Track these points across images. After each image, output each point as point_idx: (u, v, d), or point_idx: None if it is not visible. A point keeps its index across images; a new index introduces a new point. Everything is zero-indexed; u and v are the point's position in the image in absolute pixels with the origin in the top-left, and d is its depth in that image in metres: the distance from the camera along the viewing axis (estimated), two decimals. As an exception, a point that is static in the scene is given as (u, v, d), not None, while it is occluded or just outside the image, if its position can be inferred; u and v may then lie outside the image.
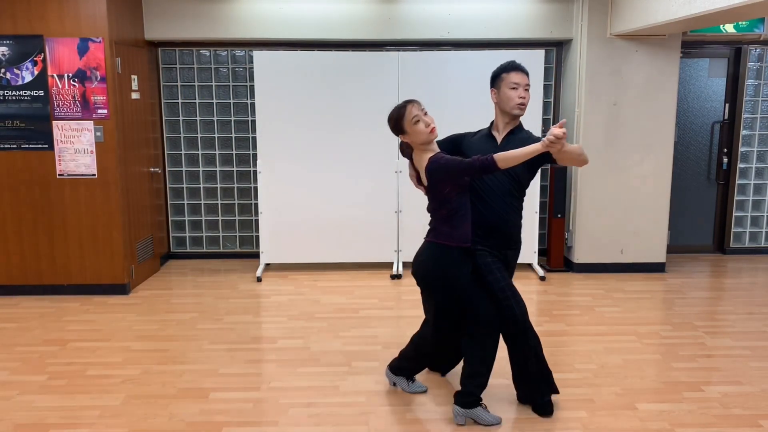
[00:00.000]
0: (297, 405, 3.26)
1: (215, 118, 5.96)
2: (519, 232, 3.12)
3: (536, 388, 3.14)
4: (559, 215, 5.62)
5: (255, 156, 5.86)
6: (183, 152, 6.00)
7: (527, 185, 3.10)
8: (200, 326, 4.39)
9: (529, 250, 5.51)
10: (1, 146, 4.87)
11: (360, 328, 4.33)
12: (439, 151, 2.94)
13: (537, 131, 5.18)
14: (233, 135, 5.99)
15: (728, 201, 6.23)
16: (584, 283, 5.35)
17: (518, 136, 3.05)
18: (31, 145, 4.87)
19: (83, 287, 5.04)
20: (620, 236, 5.61)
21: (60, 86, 4.81)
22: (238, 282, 5.41)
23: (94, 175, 4.92)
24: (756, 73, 6.06)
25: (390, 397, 3.33)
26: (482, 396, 3.08)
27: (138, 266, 5.30)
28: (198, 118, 5.95)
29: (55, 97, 4.82)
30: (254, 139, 5.90)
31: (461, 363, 3.26)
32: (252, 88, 5.85)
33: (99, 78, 4.81)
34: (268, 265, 5.73)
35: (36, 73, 4.80)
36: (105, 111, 4.84)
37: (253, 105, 5.90)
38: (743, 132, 6.13)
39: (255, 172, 5.88)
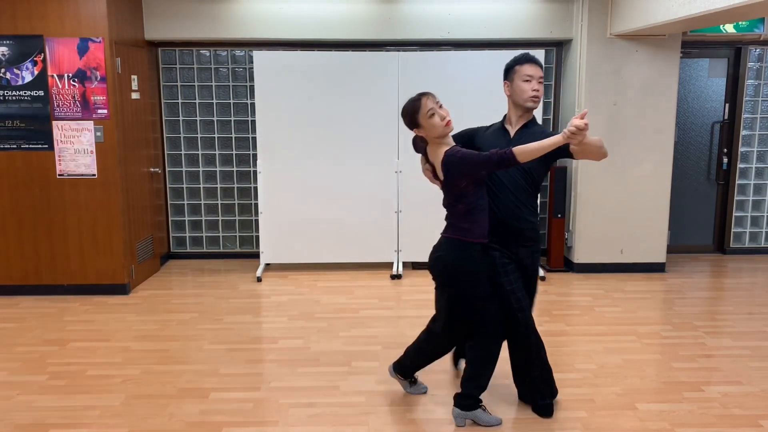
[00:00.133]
0: (297, 405, 3.26)
1: (215, 118, 5.96)
2: (532, 229, 3.01)
3: (536, 389, 3.14)
4: (559, 215, 5.62)
5: (255, 156, 5.86)
6: (183, 152, 6.00)
7: (541, 180, 3.02)
8: (200, 326, 4.39)
9: (529, 250, 5.51)
10: (1, 146, 4.87)
11: (360, 328, 4.33)
12: (454, 144, 2.87)
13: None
14: (233, 135, 5.99)
15: (728, 201, 6.23)
16: (584, 283, 5.35)
17: (531, 129, 2.97)
18: (31, 145, 4.87)
19: (83, 287, 5.04)
20: (620, 236, 5.61)
21: (60, 86, 4.81)
22: (238, 282, 5.41)
23: (94, 175, 4.92)
24: (756, 73, 6.06)
25: (390, 397, 3.33)
26: (482, 397, 3.07)
27: (138, 266, 5.30)
28: (198, 118, 5.95)
29: (55, 97, 4.82)
30: (254, 139, 5.90)
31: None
32: (252, 88, 5.85)
33: (99, 78, 4.81)
34: (268, 265, 5.73)
35: (36, 73, 4.80)
36: (105, 111, 4.84)
37: (253, 105, 5.89)
38: (743, 132, 6.13)
39: (255, 172, 5.88)
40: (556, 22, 5.56)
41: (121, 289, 5.06)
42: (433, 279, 3.00)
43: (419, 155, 3.10)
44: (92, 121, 4.85)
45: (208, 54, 5.89)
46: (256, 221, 5.96)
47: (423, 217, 5.52)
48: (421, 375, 3.60)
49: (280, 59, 5.40)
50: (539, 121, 5.34)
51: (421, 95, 2.85)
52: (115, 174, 4.92)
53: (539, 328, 3.16)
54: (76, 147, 4.88)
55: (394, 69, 5.38)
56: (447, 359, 3.77)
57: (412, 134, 2.78)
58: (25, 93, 4.82)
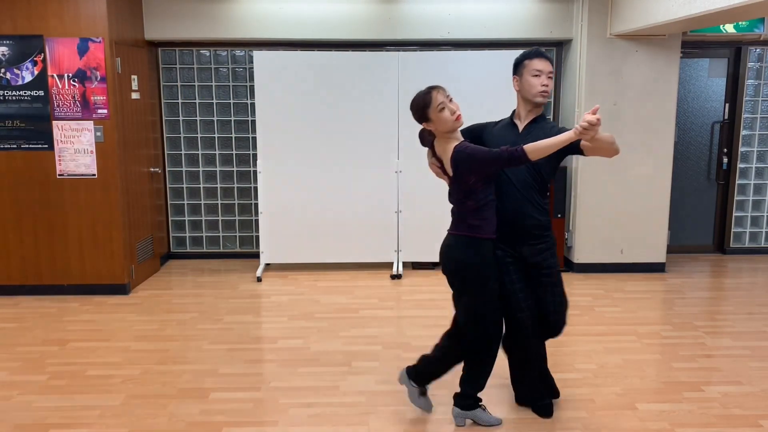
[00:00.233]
0: (297, 405, 3.26)
1: (215, 118, 5.96)
2: (539, 227, 2.91)
3: (535, 389, 3.14)
4: (559, 215, 5.62)
5: (255, 156, 5.86)
6: (183, 152, 6.00)
7: (550, 177, 2.95)
8: (200, 326, 4.39)
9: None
10: (1, 146, 4.87)
11: (360, 328, 4.33)
12: (462, 139, 2.81)
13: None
14: (233, 135, 5.99)
15: (728, 201, 6.23)
16: (584, 283, 5.35)
17: (540, 124, 2.92)
18: (31, 145, 4.87)
19: (83, 287, 5.04)
20: (620, 236, 5.61)
21: (60, 86, 4.81)
22: (238, 282, 5.41)
23: (94, 175, 4.92)
24: (756, 73, 6.06)
25: (390, 397, 3.33)
26: (482, 397, 3.07)
27: (138, 266, 5.30)
28: (198, 118, 5.96)
29: (55, 97, 4.82)
30: (254, 139, 5.90)
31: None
32: (252, 88, 5.85)
33: (99, 78, 4.81)
34: (268, 265, 5.73)
35: (36, 73, 4.80)
36: (105, 111, 4.84)
37: (253, 105, 5.90)
38: (743, 132, 6.13)
39: (255, 172, 5.87)
40: (556, 22, 5.56)
41: (121, 289, 5.06)
42: (449, 279, 2.91)
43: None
44: (92, 121, 4.85)
45: (208, 54, 5.89)
46: (256, 221, 5.96)
47: (423, 217, 5.52)
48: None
49: (280, 59, 5.40)
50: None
51: (431, 89, 2.76)
52: (115, 174, 4.92)
53: (539, 328, 3.17)
54: (76, 147, 4.88)
55: (394, 69, 5.38)
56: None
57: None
58: (25, 93, 4.82)
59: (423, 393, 3.12)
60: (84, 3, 4.72)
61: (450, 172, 2.77)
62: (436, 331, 4.22)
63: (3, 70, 4.79)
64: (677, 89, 5.46)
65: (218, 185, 6.07)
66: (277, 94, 5.40)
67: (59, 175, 4.91)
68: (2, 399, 3.34)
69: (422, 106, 2.76)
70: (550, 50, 5.87)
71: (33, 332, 4.29)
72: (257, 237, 5.96)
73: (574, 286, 5.28)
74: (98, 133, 4.86)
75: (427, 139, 2.92)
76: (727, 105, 6.09)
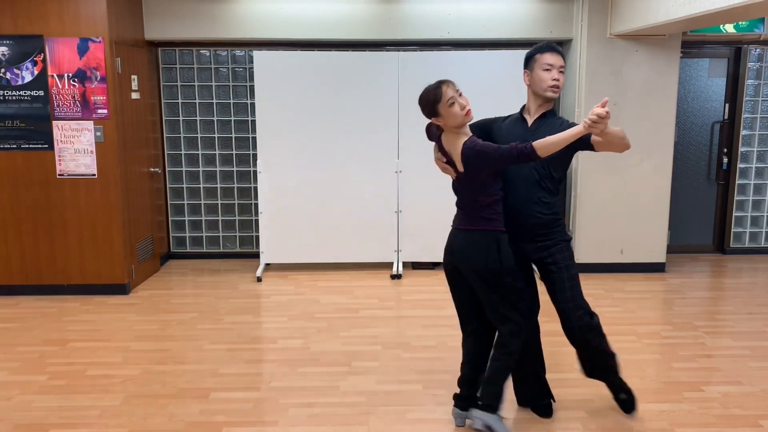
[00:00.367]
0: (297, 405, 3.26)
1: (215, 118, 5.96)
2: (543, 225, 2.85)
3: (535, 389, 3.14)
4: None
5: (255, 156, 5.86)
6: (183, 152, 6.00)
7: (560, 174, 2.87)
8: (200, 326, 4.39)
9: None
10: (1, 146, 4.87)
11: (360, 328, 4.33)
12: (471, 134, 2.74)
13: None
14: (233, 135, 5.99)
15: (728, 201, 6.22)
16: (584, 283, 5.28)
17: (550, 119, 2.86)
18: (31, 145, 4.87)
19: (83, 287, 5.04)
20: (620, 236, 5.60)
21: (60, 86, 4.81)
22: (238, 282, 5.41)
23: (94, 175, 4.92)
24: (756, 73, 6.06)
25: (390, 397, 3.33)
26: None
27: (138, 266, 5.30)
28: (198, 118, 5.96)
29: (55, 97, 4.82)
30: (254, 139, 5.90)
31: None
32: (252, 88, 5.85)
33: (99, 78, 4.81)
34: (268, 265, 5.73)
35: (36, 73, 4.80)
36: (105, 111, 4.84)
37: (253, 105, 5.90)
38: (743, 132, 6.12)
39: (255, 172, 5.87)
40: (556, 22, 5.56)
41: (121, 289, 5.06)
42: (470, 279, 2.80)
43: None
44: (92, 121, 4.85)
45: (208, 54, 5.89)
46: (256, 221, 5.96)
47: (423, 217, 5.52)
48: (421, 376, 3.60)
49: (280, 59, 5.40)
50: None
51: (440, 83, 2.70)
52: (115, 174, 4.92)
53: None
54: (76, 147, 4.88)
55: (394, 69, 5.38)
56: (447, 360, 3.78)
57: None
58: (25, 93, 4.82)
59: (501, 416, 2.92)
60: (84, 3, 4.72)
61: (460, 167, 2.72)
62: (436, 331, 4.24)
63: (3, 70, 4.79)
64: (677, 89, 5.46)
65: (218, 185, 6.07)
66: (277, 94, 5.40)
67: (59, 175, 4.91)
68: (2, 399, 3.34)
69: (432, 101, 2.70)
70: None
71: (33, 332, 4.29)
72: (257, 237, 5.95)
73: (574, 286, 5.28)
74: (98, 133, 4.86)
75: (434, 133, 2.87)
76: (727, 105, 6.09)
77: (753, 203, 6.26)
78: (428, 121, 2.85)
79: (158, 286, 5.32)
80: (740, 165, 6.18)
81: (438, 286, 5.26)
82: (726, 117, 6.11)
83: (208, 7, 5.46)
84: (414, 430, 3.03)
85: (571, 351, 3.91)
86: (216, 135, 5.98)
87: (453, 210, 2.91)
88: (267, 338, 4.19)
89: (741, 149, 6.15)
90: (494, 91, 5.09)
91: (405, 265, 5.77)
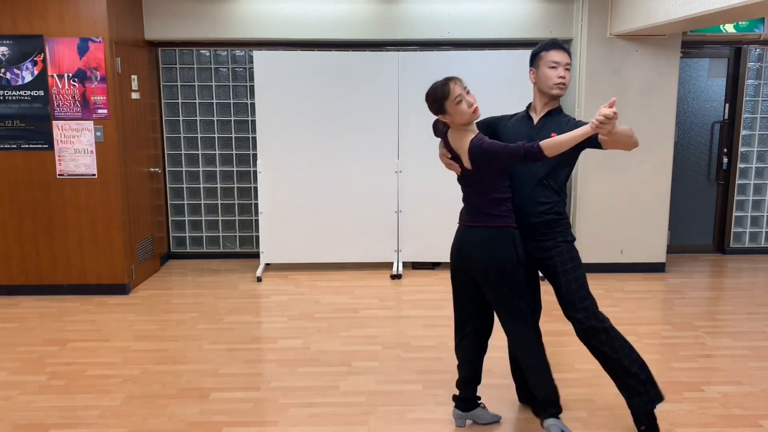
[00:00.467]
0: (297, 405, 3.26)
1: (215, 118, 5.96)
2: (546, 224, 2.81)
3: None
4: (559, 215, 5.61)
5: (255, 156, 5.86)
6: (183, 152, 6.00)
7: (565, 171, 2.85)
8: (200, 326, 4.39)
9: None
10: (1, 146, 4.87)
11: (360, 328, 4.33)
12: (478, 132, 2.72)
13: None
14: (233, 135, 5.99)
15: (728, 201, 6.23)
16: (584, 283, 5.34)
17: (555, 118, 2.83)
18: (31, 145, 4.87)
19: (83, 287, 5.04)
20: (620, 236, 5.60)
21: (60, 86, 4.81)
22: (238, 282, 5.41)
23: (94, 175, 4.92)
24: (756, 73, 6.06)
25: (390, 397, 3.33)
26: (481, 395, 3.07)
27: (138, 266, 5.30)
28: (198, 118, 5.96)
29: (55, 97, 4.82)
30: (254, 139, 5.90)
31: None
32: (252, 88, 5.85)
33: (99, 78, 4.81)
34: (268, 265, 5.73)
35: (36, 73, 4.80)
36: (105, 111, 4.84)
37: (253, 105, 5.90)
38: (743, 132, 6.13)
39: (255, 172, 5.88)
40: (556, 22, 5.56)
41: (121, 289, 5.06)
42: (482, 279, 2.76)
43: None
44: (92, 121, 4.85)
45: (208, 54, 5.89)
46: (256, 221, 5.96)
47: (423, 217, 5.52)
48: (421, 376, 3.60)
49: (280, 59, 5.40)
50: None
51: (448, 80, 2.67)
52: (115, 174, 4.92)
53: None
54: (76, 147, 4.88)
55: (394, 69, 5.38)
56: (447, 360, 3.78)
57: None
58: (25, 93, 4.82)
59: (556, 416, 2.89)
60: (84, 3, 4.72)
61: (467, 164, 2.70)
62: (436, 331, 4.24)
63: (3, 70, 4.79)
64: (677, 89, 5.46)
65: (218, 185, 6.07)
66: (277, 94, 5.40)
67: (59, 175, 4.91)
68: (2, 399, 3.34)
69: (439, 98, 2.67)
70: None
71: (33, 332, 4.29)
72: (257, 237, 5.96)
73: (574, 286, 5.28)
74: (98, 133, 4.86)
75: (440, 130, 2.84)
76: (727, 105, 6.09)
77: (753, 203, 6.26)
78: (433, 118, 2.83)
79: (158, 286, 5.32)
80: (740, 165, 6.18)
81: (438, 286, 5.26)
82: (726, 117, 6.11)
83: (208, 7, 5.46)
84: (414, 430, 3.03)
85: (571, 351, 3.92)
86: (216, 135, 5.98)
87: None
88: (267, 338, 4.19)
89: (741, 149, 6.15)
90: (494, 91, 5.08)
91: (405, 265, 5.77)
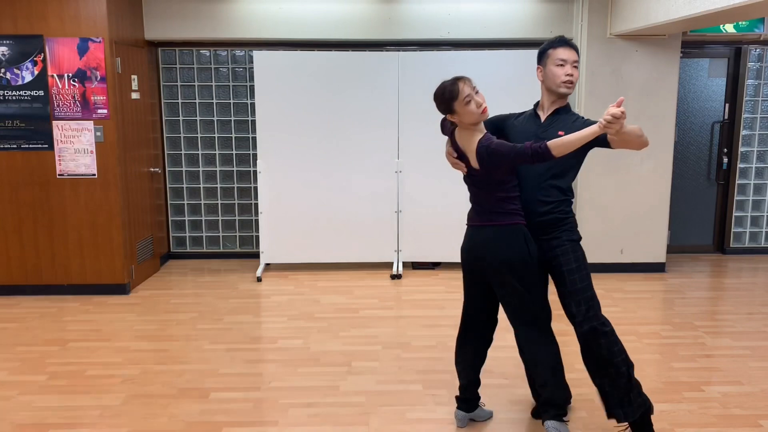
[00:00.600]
0: (297, 405, 3.26)
1: (215, 118, 5.96)
2: (550, 223, 2.79)
3: (534, 388, 3.14)
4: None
5: (255, 156, 5.86)
6: (183, 152, 6.00)
7: (572, 171, 2.81)
8: (200, 326, 4.39)
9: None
10: (1, 146, 4.87)
11: (360, 328, 4.33)
12: (485, 131, 2.70)
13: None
14: (233, 135, 5.99)
15: (728, 201, 6.23)
16: (584, 283, 5.34)
17: (563, 116, 2.80)
18: (31, 145, 4.87)
19: (83, 287, 5.04)
20: (620, 236, 5.61)
21: (60, 86, 4.81)
22: (238, 282, 5.41)
23: (94, 174, 4.92)
24: (756, 73, 6.06)
25: (390, 397, 3.33)
26: (481, 394, 3.07)
27: (138, 266, 5.30)
28: (198, 118, 5.96)
29: (55, 97, 4.82)
30: (254, 139, 5.90)
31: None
32: (252, 88, 5.85)
33: (99, 78, 4.81)
34: (268, 265, 5.73)
35: (36, 73, 4.80)
36: (105, 111, 4.84)
37: (253, 105, 5.90)
38: (743, 132, 6.13)
39: (255, 172, 5.87)
40: (556, 22, 5.56)
41: (121, 289, 5.06)
42: (497, 278, 2.74)
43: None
44: (92, 121, 4.85)
45: (208, 54, 5.89)
46: (256, 221, 5.96)
47: (423, 217, 5.52)
48: (421, 376, 3.60)
49: (280, 59, 5.40)
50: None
51: (456, 79, 2.64)
52: (115, 174, 4.92)
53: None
54: (76, 147, 4.88)
55: (394, 69, 5.37)
56: (447, 360, 3.78)
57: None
58: (25, 93, 4.82)
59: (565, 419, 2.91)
60: (84, 3, 4.72)
61: (474, 164, 2.68)
62: (436, 331, 4.24)
63: (3, 70, 4.79)
64: (677, 89, 5.46)
65: (218, 185, 6.07)
66: (277, 94, 5.40)
67: (59, 175, 4.91)
68: (2, 399, 3.34)
69: (448, 98, 2.64)
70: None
71: (33, 332, 4.29)
72: (257, 237, 5.96)
73: (574, 286, 5.28)
74: (98, 133, 4.86)
75: (448, 128, 2.83)
76: (727, 105, 6.09)
77: (753, 203, 6.26)
78: (436, 116, 2.81)
79: (158, 286, 5.32)
80: (740, 165, 6.18)
81: (438, 286, 5.26)
82: (726, 117, 6.11)
83: (208, 7, 5.46)
84: (414, 430, 3.03)
85: (571, 351, 3.92)
86: (216, 135, 5.98)
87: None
88: (267, 338, 4.19)
89: (741, 149, 6.15)
90: (494, 91, 5.06)
91: (405, 265, 5.77)
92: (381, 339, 4.14)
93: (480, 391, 3.05)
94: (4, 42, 4.76)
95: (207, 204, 6.11)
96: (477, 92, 2.65)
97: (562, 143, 2.49)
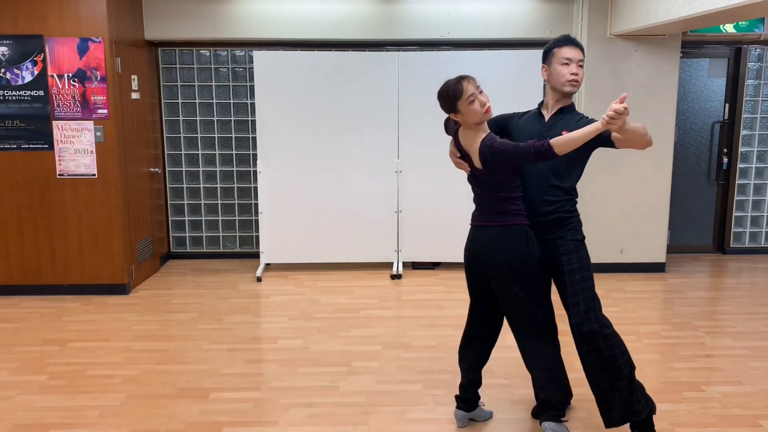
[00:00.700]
0: (297, 405, 3.26)
1: (215, 118, 5.96)
2: (553, 223, 2.77)
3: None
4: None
5: (255, 156, 5.86)
6: (183, 152, 6.00)
7: (576, 170, 2.80)
8: (200, 326, 4.39)
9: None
10: (1, 146, 4.87)
11: (360, 328, 4.33)
12: (489, 131, 2.70)
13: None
14: (233, 135, 5.99)
15: (728, 201, 6.23)
16: (584, 283, 5.34)
17: (566, 115, 2.79)
18: (31, 145, 4.87)
19: (83, 287, 5.04)
20: (620, 236, 5.61)
21: (60, 86, 4.81)
22: (238, 282, 5.41)
23: (94, 175, 4.92)
24: (756, 73, 6.06)
25: (390, 397, 3.33)
26: (481, 393, 3.07)
27: (138, 266, 5.30)
28: (198, 118, 5.96)
29: (55, 97, 4.82)
30: (254, 139, 5.90)
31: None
32: (252, 88, 5.85)
33: (99, 78, 4.81)
34: (268, 265, 5.73)
35: (36, 73, 4.80)
36: (105, 111, 4.84)
37: (253, 105, 5.90)
38: (743, 132, 6.13)
39: (255, 172, 5.88)
40: (556, 22, 5.56)
41: (121, 289, 5.06)
42: (500, 278, 2.73)
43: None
44: (92, 121, 4.85)
45: (208, 54, 5.89)
46: (256, 221, 5.96)
47: (423, 217, 5.52)
48: (421, 376, 3.60)
49: (280, 59, 5.40)
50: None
51: (461, 78, 2.63)
52: (115, 174, 4.92)
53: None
54: (76, 147, 4.88)
55: (394, 69, 5.37)
56: (447, 360, 3.78)
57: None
58: (25, 93, 4.82)
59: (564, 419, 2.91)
60: (84, 3, 4.72)
61: (478, 164, 2.67)
62: (436, 331, 4.24)
63: (3, 70, 4.79)
64: (677, 89, 5.46)
65: (218, 185, 6.07)
66: (277, 94, 5.40)
67: (59, 175, 4.91)
68: (2, 399, 3.34)
69: (452, 97, 2.62)
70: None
71: (33, 332, 4.29)
72: (257, 237, 5.96)
73: (574, 286, 5.28)
74: (98, 133, 4.86)
75: (452, 128, 2.82)
76: (727, 105, 6.09)
77: (753, 203, 6.26)
78: (437, 116, 2.80)
79: (158, 286, 5.32)
80: (740, 165, 6.18)
81: (438, 286, 5.26)
82: (726, 117, 6.11)
83: (208, 7, 5.46)
84: (414, 430, 3.03)
85: (571, 351, 3.91)
86: (216, 135, 5.98)
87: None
88: (267, 338, 4.19)
89: (741, 149, 6.15)
90: (494, 91, 5.05)
91: (405, 265, 5.77)
92: (381, 339, 4.14)
93: (480, 391, 3.04)
94: (4, 42, 4.76)
95: (207, 204, 6.11)
96: (481, 92, 2.64)
97: (565, 141, 2.48)
